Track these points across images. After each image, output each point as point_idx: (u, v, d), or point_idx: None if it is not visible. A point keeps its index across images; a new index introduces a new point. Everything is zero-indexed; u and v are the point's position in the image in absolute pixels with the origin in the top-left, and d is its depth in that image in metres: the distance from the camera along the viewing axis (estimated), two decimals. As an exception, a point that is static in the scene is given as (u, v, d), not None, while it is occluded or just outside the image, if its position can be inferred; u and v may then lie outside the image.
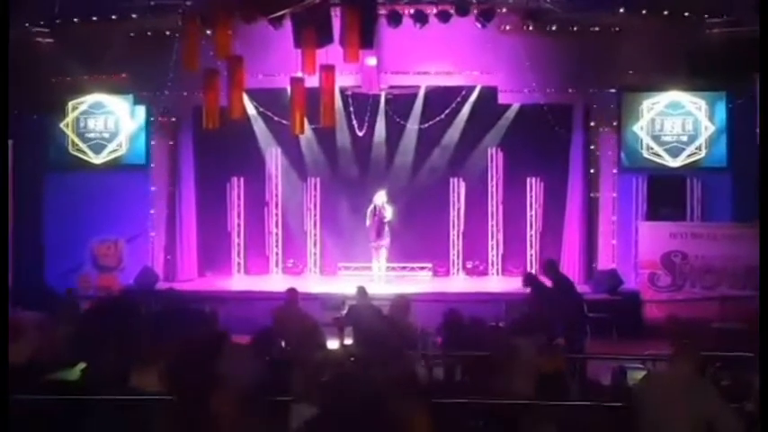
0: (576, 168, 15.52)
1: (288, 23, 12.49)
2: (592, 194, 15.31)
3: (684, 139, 15.17)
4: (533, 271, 13.58)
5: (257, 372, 2.98)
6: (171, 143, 15.71)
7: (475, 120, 15.93)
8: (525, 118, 15.59)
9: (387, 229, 14.86)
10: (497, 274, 16.18)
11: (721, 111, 15.05)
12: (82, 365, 5.20)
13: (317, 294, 13.27)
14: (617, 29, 14.20)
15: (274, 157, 16.44)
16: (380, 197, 14.88)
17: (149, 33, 14.46)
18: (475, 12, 13.65)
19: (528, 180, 16.07)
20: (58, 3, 13.81)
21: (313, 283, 15.40)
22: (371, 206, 14.87)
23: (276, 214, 16.58)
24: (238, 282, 15.96)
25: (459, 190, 16.37)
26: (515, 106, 15.63)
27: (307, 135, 14.99)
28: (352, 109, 15.94)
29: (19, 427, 4.25)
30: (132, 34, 14.43)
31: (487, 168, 16.23)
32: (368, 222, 14.87)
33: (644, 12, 13.92)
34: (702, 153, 15.12)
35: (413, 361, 6.91)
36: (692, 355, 5.24)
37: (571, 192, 15.56)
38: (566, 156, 15.62)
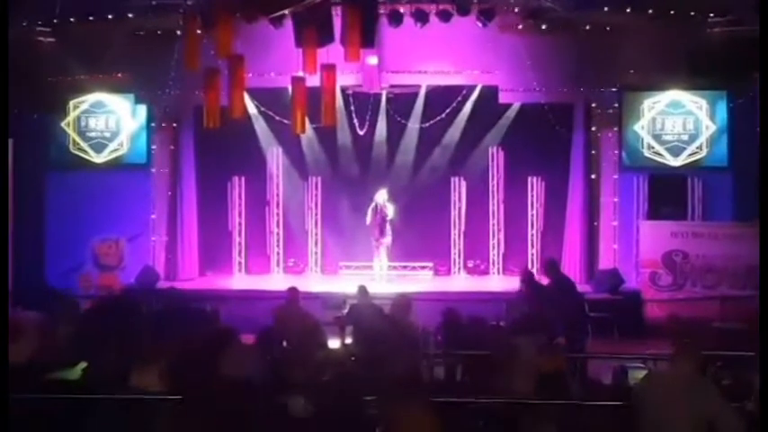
0: (576, 167, 15.50)
1: (289, 23, 12.48)
2: (592, 194, 15.30)
3: (685, 138, 15.16)
4: (533, 270, 13.56)
5: (261, 370, 2.99)
6: (172, 143, 15.69)
7: (476, 119, 15.93)
8: (526, 117, 15.58)
9: (388, 227, 14.87)
10: (498, 273, 16.18)
11: (722, 110, 15.04)
12: (83, 365, 5.21)
13: (318, 293, 13.27)
14: (618, 28, 14.17)
15: (275, 157, 16.44)
16: (381, 195, 14.89)
17: (150, 33, 14.43)
18: (476, 11, 13.62)
19: (529, 179, 16.07)
20: (59, 2, 13.79)
21: (314, 282, 15.39)
22: (373, 204, 14.88)
23: (277, 213, 16.58)
24: (239, 281, 15.94)
25: (460, 189, 16.37)
26: (516, 105, 15.63)
27: (308, 134, 14.98)
28: (353, 108, 15.93)
29: (19, 427, 4.25)
30: (133, 33, 14.39)
31: (488, 167, 16.22)
32: (368, 220, 14.87)
33: (645, 11, 13.89)
34: (703, 152, 15.11)
35: (414, 360, 6.92)
36: (693, 354, 5.25)
37: (572, 191, 15.55)
38: (566, 155, 15.60)
